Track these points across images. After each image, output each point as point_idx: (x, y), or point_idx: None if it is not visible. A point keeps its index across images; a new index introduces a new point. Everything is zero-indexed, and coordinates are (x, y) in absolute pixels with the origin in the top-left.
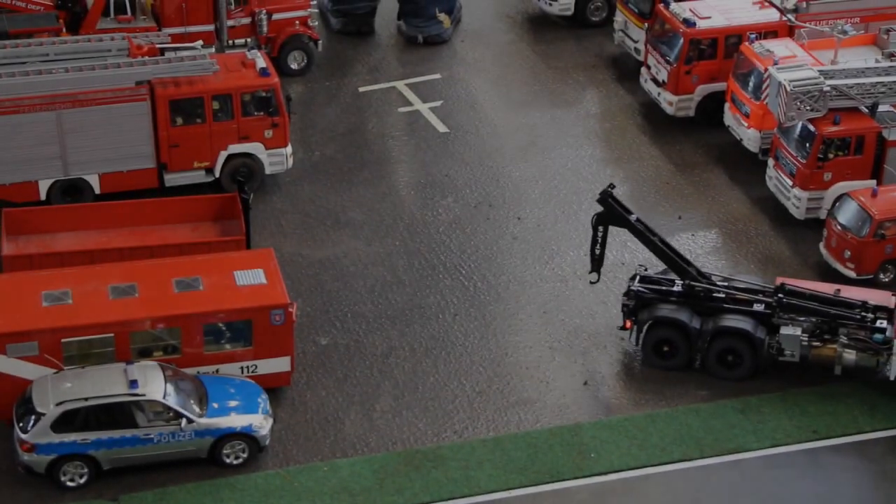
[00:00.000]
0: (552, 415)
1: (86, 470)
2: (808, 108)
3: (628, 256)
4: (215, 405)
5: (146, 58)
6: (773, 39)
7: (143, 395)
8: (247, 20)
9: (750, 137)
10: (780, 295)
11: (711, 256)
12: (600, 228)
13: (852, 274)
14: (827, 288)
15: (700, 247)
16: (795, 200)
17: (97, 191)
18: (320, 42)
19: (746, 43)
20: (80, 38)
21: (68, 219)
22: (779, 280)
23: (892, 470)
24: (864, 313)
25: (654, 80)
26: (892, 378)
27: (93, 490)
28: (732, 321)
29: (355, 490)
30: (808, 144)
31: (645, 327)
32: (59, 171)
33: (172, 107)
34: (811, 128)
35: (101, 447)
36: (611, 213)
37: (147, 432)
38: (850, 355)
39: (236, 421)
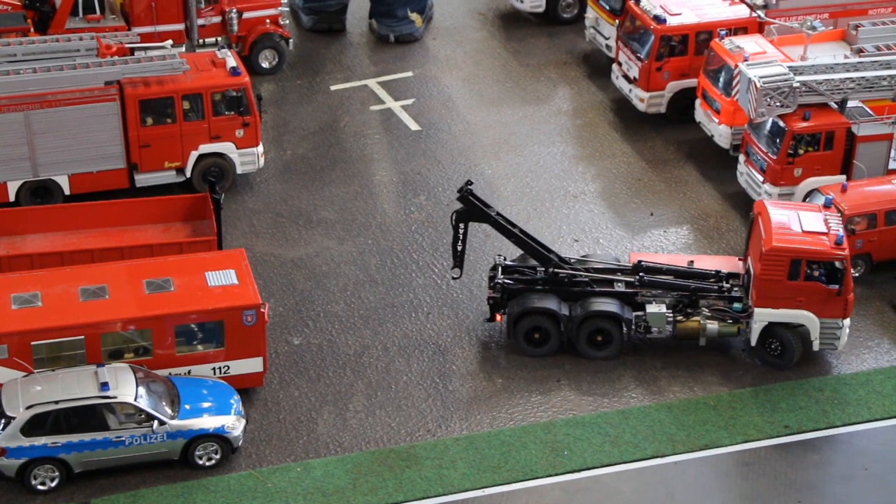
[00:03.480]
0: (525, 412)
1: (57, 473)
2: (777, 104)
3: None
4: (187, 406)
5: (115, 57)
6: (743, 36)
7: (115, 397)
8: (217, 19)
9: (721, 133)
10: (640, 274)
11: (683, 252)
12: (461, 225)
13: None
14: (681, 260)
15: (672, 243)
16: (766, 196)
17: (67, 192)
18: (291, 40)
19: (717, 39)
20: (49, 37)
21: (38, 220)
22: (633, 256)
23: (862, 462)
24: (719, 283)
25: (626, 77)
26: (753, 345)
27: (64, 493)
28: (600, 304)
29: (329, 490)
30: (778, 140)
31: (515, 318)
32: (28, 172)
33: (142, 107)
34: (781, 124)
35: (72, 450)
36: (471, 209)
37: (118, 435)
38: (712, 326)
39: (209, 422)
